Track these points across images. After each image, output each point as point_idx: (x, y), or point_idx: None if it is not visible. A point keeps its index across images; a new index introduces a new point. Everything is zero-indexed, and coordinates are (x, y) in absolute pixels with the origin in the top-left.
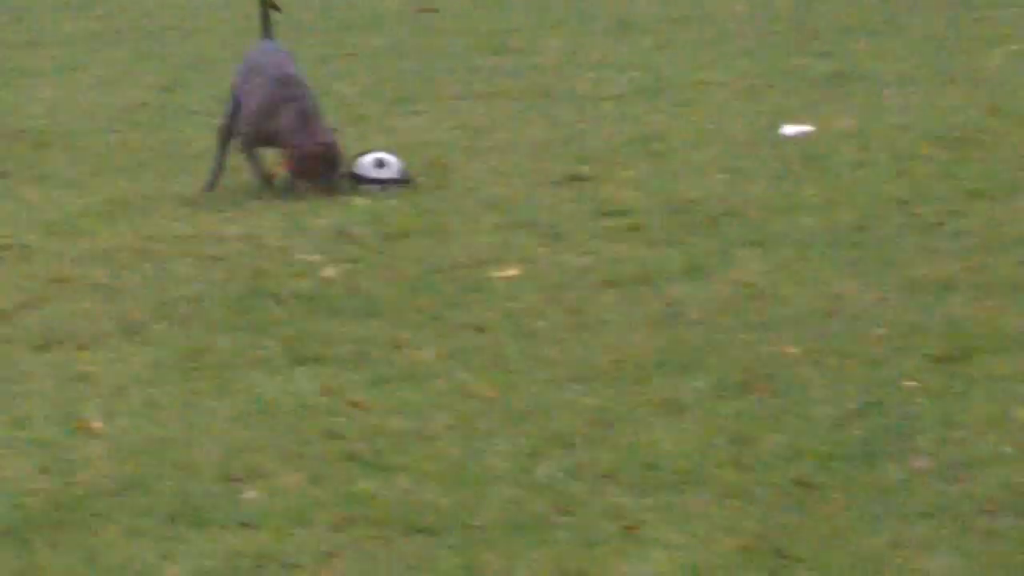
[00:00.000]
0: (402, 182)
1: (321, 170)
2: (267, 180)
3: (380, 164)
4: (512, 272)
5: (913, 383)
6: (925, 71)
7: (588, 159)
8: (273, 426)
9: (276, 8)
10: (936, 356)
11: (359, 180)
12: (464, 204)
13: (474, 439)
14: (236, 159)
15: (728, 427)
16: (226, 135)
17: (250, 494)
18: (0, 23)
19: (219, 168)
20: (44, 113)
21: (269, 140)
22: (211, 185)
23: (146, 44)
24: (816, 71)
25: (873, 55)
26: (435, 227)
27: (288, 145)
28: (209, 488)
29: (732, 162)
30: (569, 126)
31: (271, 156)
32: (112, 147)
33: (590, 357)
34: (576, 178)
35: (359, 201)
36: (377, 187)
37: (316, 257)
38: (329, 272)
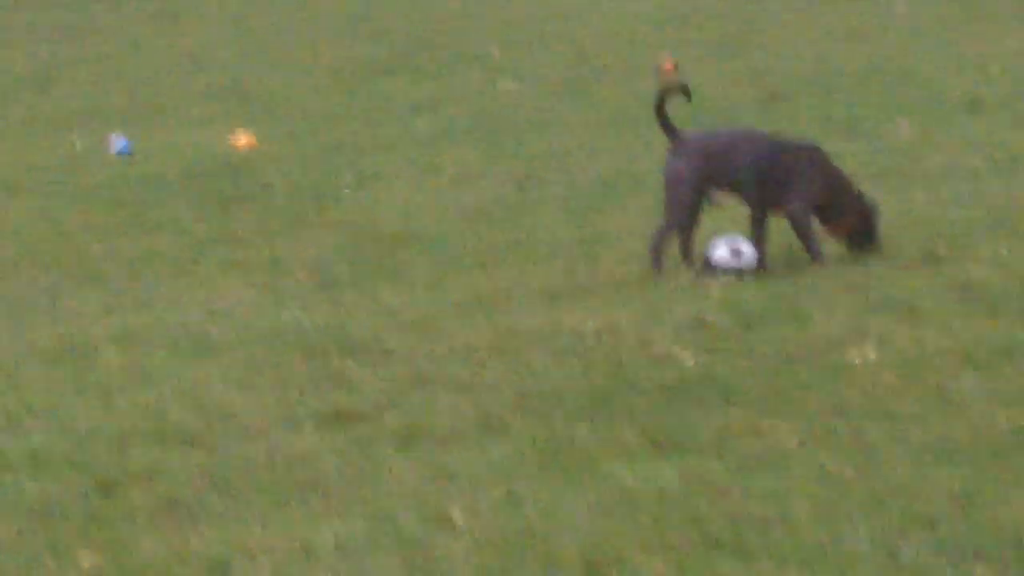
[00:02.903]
0: (757, 269)
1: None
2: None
3: (736, 253)
4: (871, 354)
5: None
6: None
7: (944, 239)
8: (634, 515)
9: (687, 94)
10: None
11: (715, 269)
12: (820, 287)
13: (836, 522)
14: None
15: None
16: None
17: None
18: (355, 129)
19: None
20: (400, 215)
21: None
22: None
23: (499, 140)
24: None
25: None
26: (792, 312)
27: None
28: None
29: None
30: (924, 206)
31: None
32: (467, 245)
33: (952, 436)
34: (933, 258)
35: (715, 289)
36: (733, 275)
37: (674, 347)
38: (688, 361)
